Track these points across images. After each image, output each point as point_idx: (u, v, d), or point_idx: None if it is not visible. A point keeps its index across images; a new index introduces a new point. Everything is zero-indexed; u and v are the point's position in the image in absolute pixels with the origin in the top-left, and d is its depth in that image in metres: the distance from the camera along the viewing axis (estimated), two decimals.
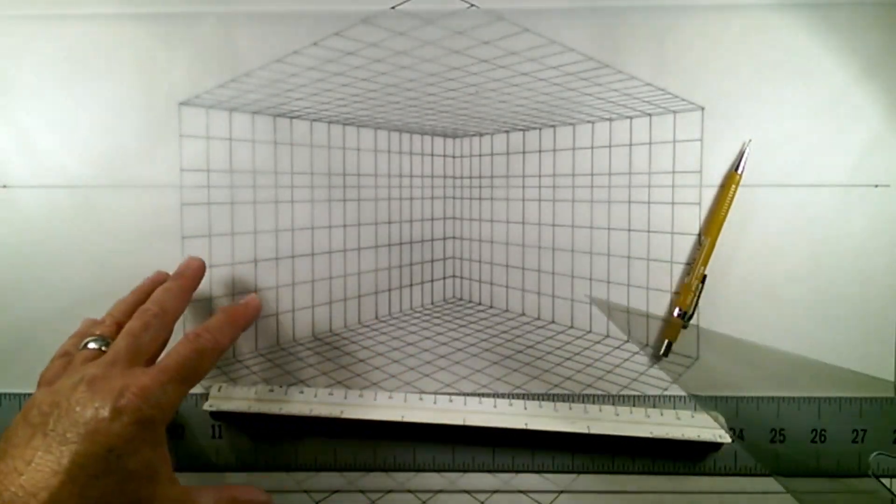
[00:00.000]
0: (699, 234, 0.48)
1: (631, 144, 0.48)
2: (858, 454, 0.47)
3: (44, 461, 0.30)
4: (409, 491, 0.48)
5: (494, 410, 0.46)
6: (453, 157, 0.51)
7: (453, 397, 0.47)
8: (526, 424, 0.45)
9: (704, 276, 0.47)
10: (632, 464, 0.48)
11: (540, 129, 0.49)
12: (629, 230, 0.48)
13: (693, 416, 0.47)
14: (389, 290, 0.51)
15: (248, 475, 0.48)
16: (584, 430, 0.45)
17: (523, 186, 0.49)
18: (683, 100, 0.47)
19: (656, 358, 0.48)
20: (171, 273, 0.45)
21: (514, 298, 0.51)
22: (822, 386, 0.47)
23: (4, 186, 0.48)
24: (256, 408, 0.46)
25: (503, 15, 0.47)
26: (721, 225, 0.46)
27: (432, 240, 0.51)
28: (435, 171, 0.51)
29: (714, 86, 0.47)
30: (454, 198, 0.51)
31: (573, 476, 0.48)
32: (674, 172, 0.48)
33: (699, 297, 0.47)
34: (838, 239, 0.47)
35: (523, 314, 0.51)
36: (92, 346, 0.38)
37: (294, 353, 0.49)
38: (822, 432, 0.47)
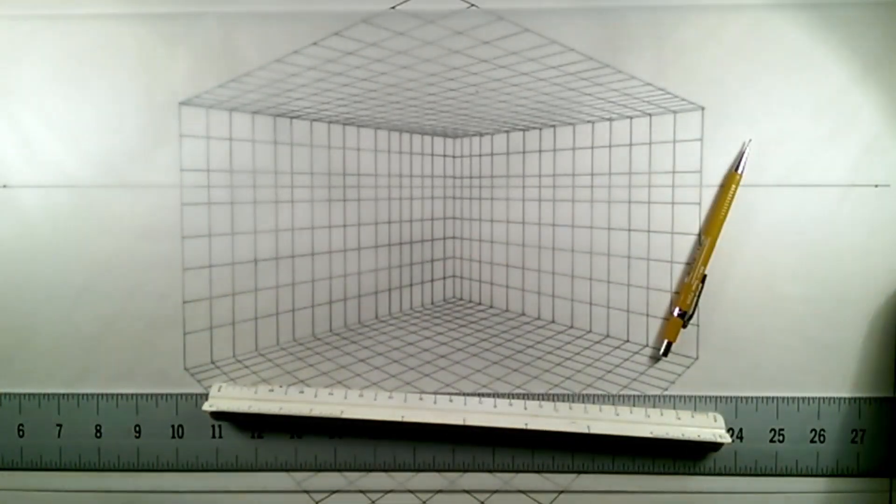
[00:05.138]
0: (699, 234, 0.48)
1: (631, 144, 0.48)
2: (857, 454, 0.47)
3: None
4: (409, 491, 0.48)
5: (494, 410, 0.46)
6: (453, 157, 0.51)
7: (453, 397, 0.47)
8: (526, 424, 0.45)
9: (704, 276, 0.47)
10: (632, 464, 0.48)
11: (540, 129, 0.49)
12: (629, 230, 0.48)
13: (693, 416, 0.47)
14: (389, 290, 0.51)
15: (248, 475, 0.48)
16: (584, 430, 0.45)
17: (523, 186, 0.50)
18: (683, 100, 0.47)
19: (656, 358, 0.48)
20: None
21: (514, 298, 0.51)
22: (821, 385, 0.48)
23: (4, 186, 0.48)
24: (256, 408, 0.46)
25: (503, 15, 0.47)
26: (721, 225, 0.46)
27: (432, 240, 0.51)
28: (435, 171, 0.51)
29: (714, 86, 0.47)
30: (454, 198, 0.51)
31: (573, 476, 0.48)
32: (674, 172, 0.48)
33: (699, 297, 0.47)
34: (838, 239, 0.47)
35: (523, 314, 0.51)
36: None
37: (294, 353, 0.49)
38: (822, 432, 0.47)
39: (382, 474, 0.48)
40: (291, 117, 0.48)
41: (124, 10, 0.48)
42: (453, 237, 0.51)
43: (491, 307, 0.51)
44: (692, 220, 0.48)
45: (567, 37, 0.47)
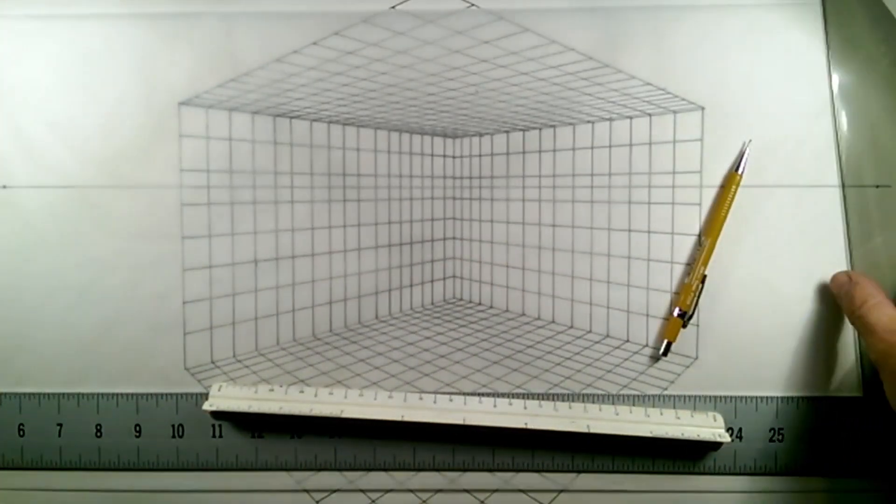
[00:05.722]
0: (699, 235, 0.48)
1: (631, 144, 0.48)
2: (857, 453, 0.47)
3: None
4: (409, 490, 0.48)
5: (494, 410, 0.46)
6: (453, 157, 0.51)
7: (453, 397, 0.47)
8: (526, 424, 0.45)
9: (704, 276, 0.47)
10: (631, 463, 0.48)
11: (540, 129, 0.49)
12: (629, 230, 0.48)
13: (693, 416, 0.47)
14: (389, 290, 0.51)
15: (248, 475, 0.48)
16: (584, 430, 0.45)
17: (523, 186, 0.50)
18: (683, 100, 0.47)
19: (656, 358, 0.48)
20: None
21: (514, 298, 0.51)
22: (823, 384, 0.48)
23: (4, 186, 0.48)
24: (256, 407, 0.46)
25: (503, 15, 0.47)
26: (721, 225, 0.46)
27: (432, 240, 0.51)
28: (435, 171, 0.51)
29: (714, 86, 0.47)
30: (454, 198, 0.51)
31: (573, 475, 0.48)
32: (674, 172, 0.48)
33: (699, 297, 0.47)
34: (838, 239, 0.47)
35: (523, 314, 0.51)
36: None
37: (294, 353, 0.49)
38: (821, 431, 0.48)
39: (382, 473, 0.48)
40: (291, 117, 0.48)
41: (124, 10, 0.48)
42: (453, 238, 0.51)
43: (491, 307, 0.51)
44: (692, 221, 0.48)
45: (567, 37, 0.47)
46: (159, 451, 0.48)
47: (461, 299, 0.52)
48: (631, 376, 0.49)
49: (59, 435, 0.48)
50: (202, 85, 0.48)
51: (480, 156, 0.51)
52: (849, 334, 0.47)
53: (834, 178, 0.47)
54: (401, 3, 0.47)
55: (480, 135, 0.51)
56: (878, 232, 0.47)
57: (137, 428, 0.48)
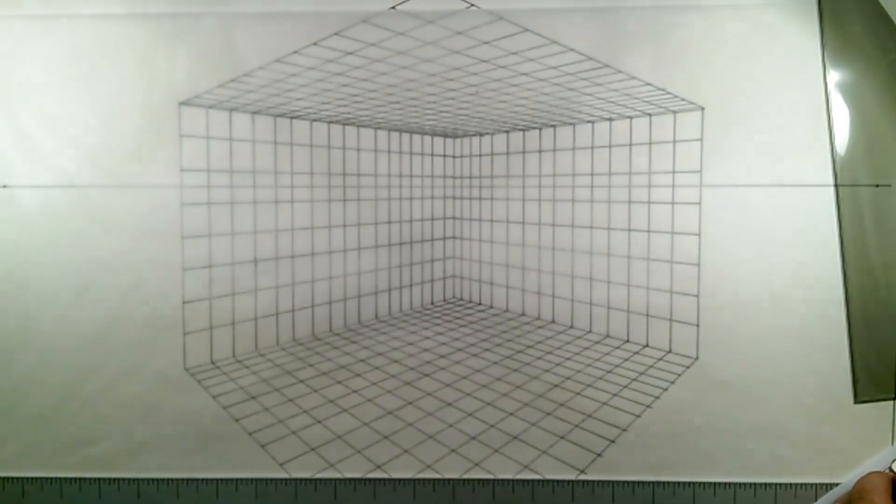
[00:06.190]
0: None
1: (631, 144, 0.48)
2: None
3: None
4: None
5: None
6: (453, 157, 0.51)
7: None
8: None
9: None
10: None
11: (540, 129, 0.49)
12: (629, 230, 0.48)
13: None
14: (389, 290, 0.51)
15: None
16: None
17: (523, 186, 0.50)
18: (683, 100, 0.47)
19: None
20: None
21: (514, 298, 0.51)
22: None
23: (4, 186, 0.48)
24: None
25: (503, 15, 0.47)
26: None
27: (432, 240, 0.51)
28: (435, 171, 0.51)
29: (714, 86, 0.47)
30: (454, 198, 0.51)
31: None
32: (674, 172, 0.48)
33: None
34: (838, 239, 0.47)
35: (523, 314, 0.51)
36: None
37: (294, 353, 0.49)
38: None
39: None
40: (291, 117, 0.49)
41: (124, 10, 0.48)
42: (453, 237, 0.51)
43: (491, 307, 0.51)
44: (692, 220, 0.48)
45: (567, 37, 0.47)
46: None
47: (461, 299, 0.52)
48: (631, 376, 0.49)
49: None
50: (202, 85, 0.48)
51: (480, 155, 0.51)
52: (843, 335, 0.47)
53: (831, 178, 0.47)
54: (401, 3, 0.47)
55: (480, 135, 0.51)
56: (871, 231, 0.47)
57: None
